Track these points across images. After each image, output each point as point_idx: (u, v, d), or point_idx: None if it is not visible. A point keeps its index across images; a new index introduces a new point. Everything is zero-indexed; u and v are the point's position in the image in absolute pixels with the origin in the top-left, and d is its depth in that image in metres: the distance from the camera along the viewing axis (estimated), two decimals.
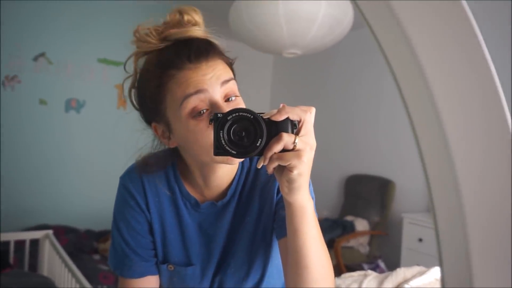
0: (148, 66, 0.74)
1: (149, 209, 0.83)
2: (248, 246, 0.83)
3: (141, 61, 0.77)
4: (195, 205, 0.83)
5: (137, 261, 0.83)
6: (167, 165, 0.84)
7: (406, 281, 1.38)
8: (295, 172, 0.59)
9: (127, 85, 0.80)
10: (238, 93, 0.73)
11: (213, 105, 0.68)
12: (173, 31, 0.73)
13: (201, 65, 0.69)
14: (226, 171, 0.80)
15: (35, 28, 3.62)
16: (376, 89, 3.92)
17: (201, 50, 0.70)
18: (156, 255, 0.85)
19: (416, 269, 1.48)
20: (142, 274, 0.84)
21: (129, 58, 0.78)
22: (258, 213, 0.82)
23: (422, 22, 0.36)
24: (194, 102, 0.68)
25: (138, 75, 0.77)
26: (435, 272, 1.41)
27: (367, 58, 3.95)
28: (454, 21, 0.35)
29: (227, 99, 0.71)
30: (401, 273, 1.43)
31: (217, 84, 0.69)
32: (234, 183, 0.82)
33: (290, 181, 0.60)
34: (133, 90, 0.79)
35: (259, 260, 0.84)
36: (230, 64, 0.77)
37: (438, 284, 1.36)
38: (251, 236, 0.83)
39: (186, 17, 0.75)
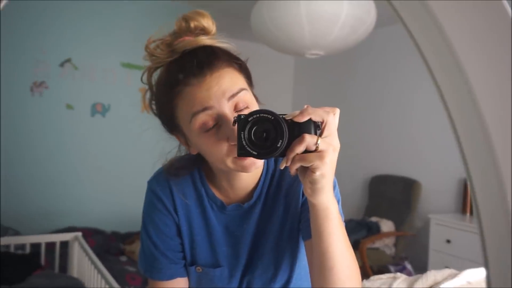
0: (159, 81, 0.76)
1: (176, 212, 0.84)
2: (274, 247, 0.83)
3: (157, 73, 0.78)
4: (221, 207, 0.83)
5: (166, 263, 0.85)
6: (193, 168, 0.85)
7: (437, 284, 1.35)
8: (317, 173, 0.59)
9: (148, 96, 0.81)
10: (250, 102, 0.72)
11: (221, 119, 0.69)
12: (179, 42, 0.73)
13: (205, 79, 0.69)
14: (251, 174, 0.80)
15: (61, 34, 3.71)
16: (400, 88, 3.86)
17: (204, 62, 0.69)
18: (184, 257, 0.86)
19: (447, 271, 1.45)
20: (171, 277, 0.85)
21: (143, 73, 0.80)
22: (284, 215, 0.83)
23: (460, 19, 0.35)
24: (202, 118, 0.69)
25: (154, 89, 0.78)
26: (467, 275, 1.37)
27: (391, 57, 3.90)
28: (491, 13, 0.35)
29: (239, 110, 0.70)
30: (431, 276, 1.40)
31: (223, 99, 0.69)
32: (260, 185, 0.83)
33: (313, 182, 0.60)
34: (152, 102, 0.80)
35: (286, 261, 0.84)
36: (242, 68, 0.75)
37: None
38: (277, 238, 0.83)
39: (192, 24, 0.75)
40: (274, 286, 0.85)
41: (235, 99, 0.70)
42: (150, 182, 0.87)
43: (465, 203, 3.27)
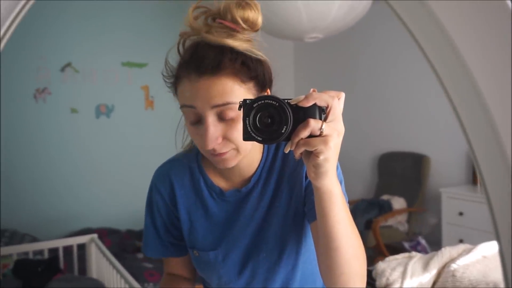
0: (183, 54, 0.77)
1: (175, 202, 0.89)
2: (279, 231, 0.85)
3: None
4: (220, 194, 0.87)
5: (169, 245, 0.93)
6: (191, 159, 0.89)
7: (453, 260, 1.36)
8: (321, 157, 0.59)
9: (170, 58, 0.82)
10: (234, 116, 0.72)
11: (202, 119, 0.72)
12: (214, 27, 0.74)
13: (201, 79, 0.71)
14: (247, 161, 0.83)
15: (58, 38, 3.71)
16: (404, 63, 3.82)
17: (210, 64, 0.70)
18: (182, 240, 0.93)
19: (461, 247, 1.45)
20: (166, 255, 0.95)
21: (179, 41, 0.79)
22: (288, 198, 0.84)
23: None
24: (188, 112, 0.73)
25: (179, 56, 0.79)
26: (482, 249, 1.38)
27: (393, 31, 3.85)
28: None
29: (221, 119, 0.72)
30: (446, 252, 1.40)
31: (207, 105, 0.70)
32: (258, 170, 0.85)
33: (317, 166, 0.61)
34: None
35: (292, 244, 0.85)
36: (251, 78, 0.74)
37: (486, 262, 1.34)
38: (282, 221, 0.85)
39: (239, 12, 0.74)
40: (280, 269, 0.86)
41: (219, 109, 0.71)
42: (153, 176, 0.93)
43: (475, 174, 3.26)
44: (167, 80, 0.79)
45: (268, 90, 0.80)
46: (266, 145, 0.86)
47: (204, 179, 0.87)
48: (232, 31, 0.74)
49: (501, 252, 0.37)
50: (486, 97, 0.36)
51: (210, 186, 0.87)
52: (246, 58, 0.74)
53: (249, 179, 0.85)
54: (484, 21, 0.35)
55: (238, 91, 0.72)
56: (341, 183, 0.79)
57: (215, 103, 0.71)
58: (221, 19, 0.75)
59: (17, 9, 0.39)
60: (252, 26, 0.76)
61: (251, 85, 0.75)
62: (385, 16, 3.78)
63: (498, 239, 0.37)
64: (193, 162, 0.89)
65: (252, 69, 0.75)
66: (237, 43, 0.74)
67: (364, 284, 0.75)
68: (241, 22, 0.74)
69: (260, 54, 0.77)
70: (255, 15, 0.76)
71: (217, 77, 0.71)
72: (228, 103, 0.71)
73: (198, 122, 0.73)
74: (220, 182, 0.87)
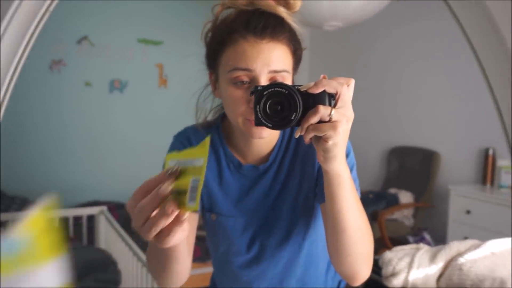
0: (225, 19, 0.78)
1: None
2: (290, 209, 0.87)
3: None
4: (238, 166, 0.88)
5: None
6: (213, 130, 0.90)
7: (460, 254, 1.37)
8: (330, 142, 0.60)
9: (208, 26, 0.83)
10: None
11: (254, 83, 0.73)
12: (260, 2, 0.75)
13: (262, 42, 0.72)
14: (267, 139, 0.84)
15: (76, 11, 3.71)
16: (420, 58, 3.78)
17: (269, 27, 0.72)
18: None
19: (469, 242, 1.45)
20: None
21: (214, 6, 0.81)
22: (300, 179, 0.86)
23: None
24: (239, 74, 0.73)
25: (217, 22, 0.80)
26: (491, 246, 1.38)
27: (409, 26, 3.80)
28: None
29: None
30: (454, 246, 1.41)
31: (266, 69, 0.72)
32: (275, 149, 0.87)
33: (326, 151, 0.62)
34: (209, 33, 0.82)
35: (301, 223, 0.88)
36: (296, 53, 0.78)
37: (494, 258, 1.34)
38: (293, 200, 0.87)
39: None
40: (287, 247, 0.88)
41: (275, 75, 0.73)
42: (174, 136, 0.92)
43: (485, 173, 3.25)
44: (212, 40, 0.79)
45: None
46: None
47: (224, 149, 0.89)
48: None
49: None
50: None
51: (229, 157, 0.88)
52: (294, 31, 0.76)
53: (266, 157, 0.87)
54: None
55: (289, 61, 0.75)
56: (353, 167, 0.82)
57: (274, 68, 0.72)
58: None
59: None
60: (291, 6, 0.78)
61: (294, 60, 0.77)
62: (403, 10, 3.73)
63: None
64: (214, 132, 0.90)
65: (298, 42, 0.77)
66: (286, 15, 0.76)
67: (370, 267, 0.77)
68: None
69: (300, 31, 0.78)
70: None
71: (277, 42, 0.73)
72: (285, 71, 0.73)
73: (245, 83, 0.73)
74: (237, 156, 0.88)
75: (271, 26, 0.72)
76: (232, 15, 0.77)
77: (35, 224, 0.24)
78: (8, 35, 0.67)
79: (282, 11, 0.76)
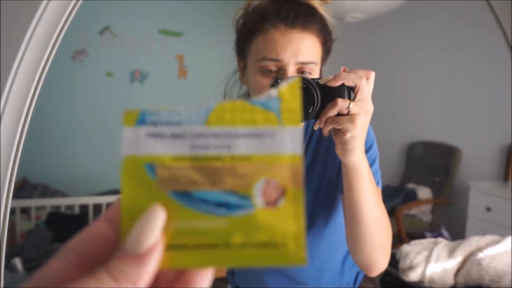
0: (256, 7, 0.78)
1: None
2: (312, 198, 0.88)
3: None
4: None
5: None
6: None
7: (480, 249, 1.35)
8: (348, 135, 0.61)
9: (240, 13, 0.84)
10: (312, 76, 0.74)
11: (281, 72, 0.73)
12: None
13: (292, 32, 0.72)
14: None
15: (99, 1, 3.75)
16: (439, 52, 3.72)
17: (300, 16, 0.72)
18: None
19: (489, 238, 1.44)
20: None
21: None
22: (323, 168, 0.87)
23: None
24: (268, 63, 0.73)
25: (250, 10, 0.81)
26: (511, 242, 1.36)
27: (431, 20, 3.74)
28: None
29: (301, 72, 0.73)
30: (473, 241, 1.40)
31: (294, 59, 0.72)
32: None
33: (344, 143, 0.62)
34: (241, 20, 0.83)
35: (322, 212, 0.88)
36: (326, 45, 0.77)
37: None
38: (316, 189, 0.87)
39: None
40: (308, 236, 0.89)
41: (303, 66, 0.73)
42: None
43: (507, 170, 3.18)
44: (242, 28, 0.80)
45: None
46: None
47: None
48: None
49: None
50: None
51: None
52: (325, 21, 0.77)
53: None
54: None
55: (318, 53, 0.75)
56: (375, 159, 0.81)
57: (302, 60, 0.72)
58: None
59: None
60: None
61: (323, 51, 0.78)
62: (425, 2, 3.67)
63: None
64: None
65: (329, 33, 0.77)
66: (318, 5, 0.76)
67: (388, 259, 0.78)
68: None
69: (332, 22, 0.78)
70: None
71: (307, 32, 0.73)
72: (312, 63, 0.74)
73: (272, 72, 0.74)
74: None
75: (303, 16, 0.72)
76: (264, 3, 0.77)
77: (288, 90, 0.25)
78: (36, 37, 0.70)
79: (314, 1, 0.76)
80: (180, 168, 0.25)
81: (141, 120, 0.26)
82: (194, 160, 0.25)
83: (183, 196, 0.24)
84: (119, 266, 0.22)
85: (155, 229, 0.23)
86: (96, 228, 0.24)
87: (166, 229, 0.24)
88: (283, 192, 0.25)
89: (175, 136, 0.25)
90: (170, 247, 0.24)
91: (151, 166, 0.25)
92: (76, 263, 0.23)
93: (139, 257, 0.22)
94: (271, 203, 0.25)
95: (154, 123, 0.25)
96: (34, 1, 0.73)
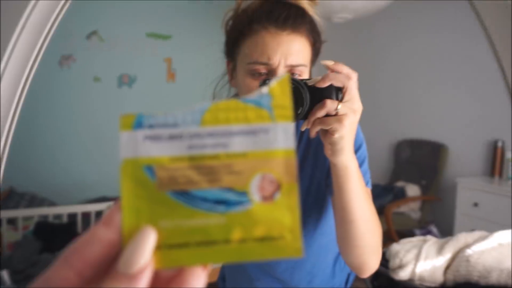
0: (247, 9, 0.78)
1: None
2: (302, 199, 0.87)
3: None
4: None
5: None
6: None
7: (468, 246, 1.37)
8: (336, 135, 0.61)
9: (230, 14, 0.83)
10: (303, 78, 0.74)
11: (272, 74, 0.73)
12: None
13: (282, 33, 0.72)
14: None
15: (86, 5, 3.72)
16: (427, 51, 3.76)
17: (291, 18, 0.72)
18: None
19: (477, 234, 1.46)
20: None
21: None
22: (313, 169, 0.87)
23: None
24: (258, 66, 0.73)
25: (239, 11, 0.80)
26: (498, 237, 1.39)
27: (419, 19, 3.78)
28: None
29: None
30: (461, 238, 1.42)
31: (284, 62, 0.72)
32: None
33: (333, 144, 0.63)
34: (230, 21, 0.83)
35: (312, 214, 0.88)
36: (315, 46, 0.78)
37: (501, 249, 1.35)
38: (305, 190, 0.87)
39: None
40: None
41: (292, 69, 0.73)
42: None
43: (494, 166, 3.23)
44: (232, 29, 0.79)
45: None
46: None
47: None
48: None
49: None
50: None
51: None
52: (315, 22, 0.77)
53: None
54: None
55: (307, 54, 0.75)
56: (364, 159, 0.81)
57: (292, 62, 0.72)
58: None
59: None
60: None
61: (312, 53, 0.77)
62: (413, 2, 3.71)
63: None
64: None
65: (318, 34, 0.77)
66: (308, 6, 0.76)
67: (379, 259, 0.78)
68: None
69: (321, 23, 0.79)
70: None
71: (297, 33, 0.72)
72: (302, 65, 0.74)
73: (262, 75, 0.74)
74: None
75: (293, 17, 0.72)
76: (254, 4, 0.77)
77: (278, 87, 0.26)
78: (23, 36, 0.69)
79: (304, 2, 0.76)
80: (179, 169, 0.26)
81: (138, 124, 0.27)
82: (192, 160, 0.26)
83: (182, 195, 0.25)
84: (112, 285, 0.23)
85: (146, 251, 0.24)
86: (95, 232, 0.25)
87: (167, 229, 0.25)
88: (278, 186, 0.26)
89: (172, 137, 0.26)
90: (171, 246, 0.25)
91: (150, 168, 0.26)
92: (77, 269, 0.24)
93: (131, 277, 0.23)
94: (268, 198, 0.26)
95: (151, 126, 0.26)
96: (19, 6, 0.72)
